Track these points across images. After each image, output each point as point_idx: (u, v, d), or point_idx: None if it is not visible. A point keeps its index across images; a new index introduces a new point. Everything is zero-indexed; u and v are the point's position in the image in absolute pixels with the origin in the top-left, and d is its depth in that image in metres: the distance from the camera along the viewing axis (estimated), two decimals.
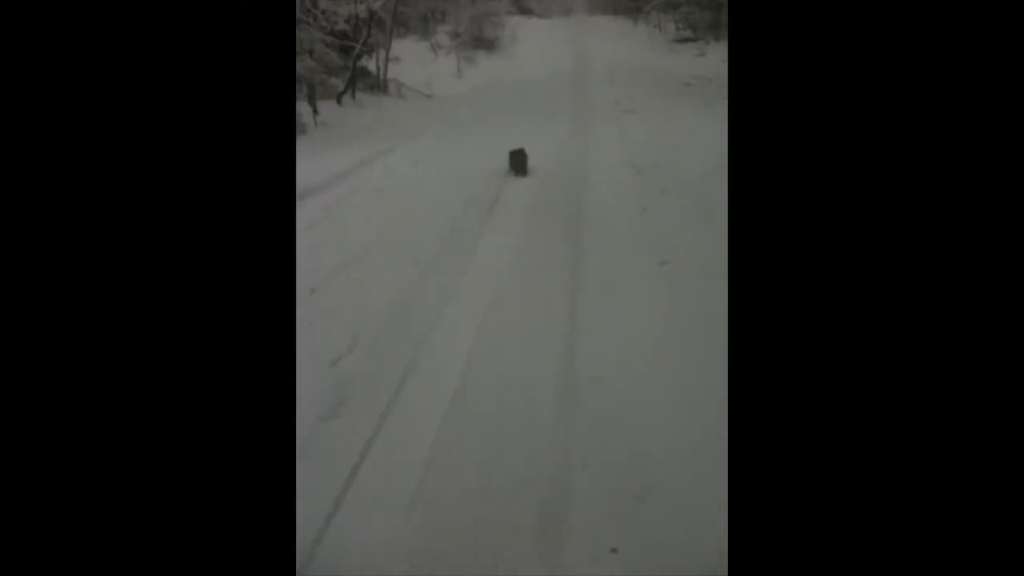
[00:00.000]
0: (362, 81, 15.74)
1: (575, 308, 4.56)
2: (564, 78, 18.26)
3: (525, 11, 36.34)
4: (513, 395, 3.53)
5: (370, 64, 16.73)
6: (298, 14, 12.24)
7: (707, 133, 9.88)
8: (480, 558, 2.48)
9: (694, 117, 11.91)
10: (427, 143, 11.16)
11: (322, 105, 12.89)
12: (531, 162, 8.46)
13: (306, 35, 12.48)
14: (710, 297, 4.08)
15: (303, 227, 6.12)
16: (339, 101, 14.10)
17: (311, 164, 8.32)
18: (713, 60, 19.70)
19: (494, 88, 17.67)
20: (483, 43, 22.74)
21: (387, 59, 16.82)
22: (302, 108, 11.84)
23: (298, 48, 12.01)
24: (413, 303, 4.77)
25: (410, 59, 19.81)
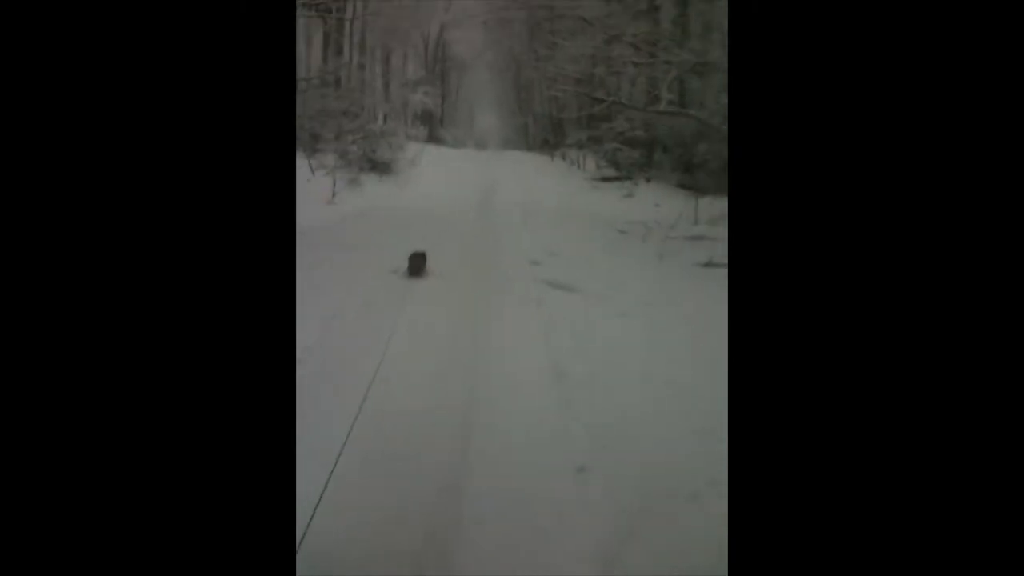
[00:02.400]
0: None
1: None
2: (465, 216, 14.01)
3: (436, 139, 33.13)
4: None
5: None
6: None
7: (671, 320, 5.74)
8: None
9: (644, 287, 7.66)
10: None
11: None
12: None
13: None
14: None
15: None
16: None
17: None
18: (644, 202, 16.01)
19: (371, 217, 13.15)
20: (376, 166, 18.41)
21: None
22: None
23: None
24: None
25: None
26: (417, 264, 7.43)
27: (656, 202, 15.91)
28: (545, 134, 30.35)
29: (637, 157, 19.10)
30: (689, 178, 17.91)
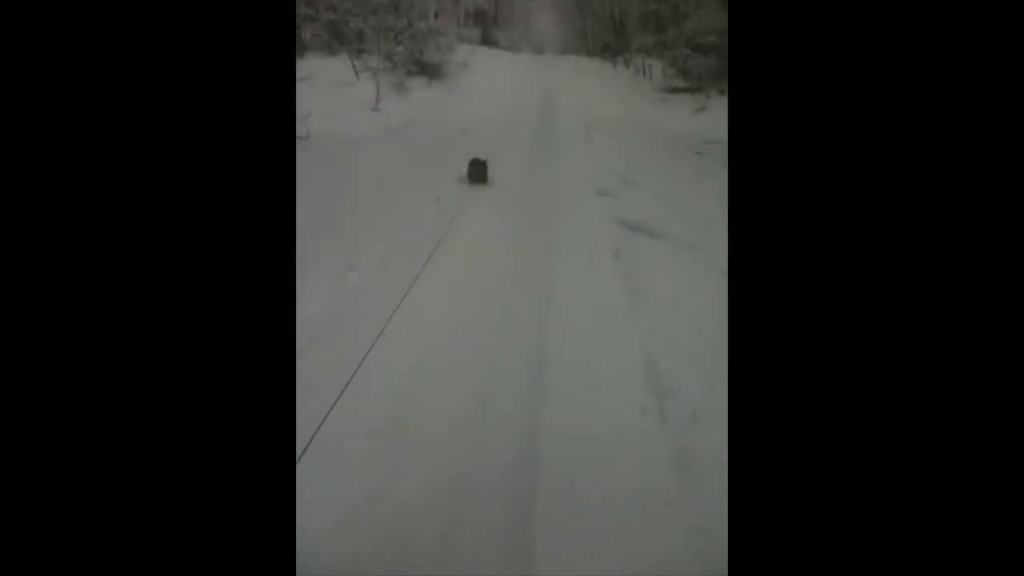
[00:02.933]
0: None
1: None
2: (524, 131, 12.54)
3: (489, 41, 30.93)
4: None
5: None
6: None
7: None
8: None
9: None
10: None
11: None
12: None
13: None
14: None
15: None
16: None
17: None
18: (720, 118, 14.23)
19: (418, 128, 11.79)
20: (424, 68, 16.81)
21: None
22: None
23: None
24: None
25: (325, 80, 13.83)
26: (479, 171, 7.38)
27: None
28: (607, 37, 27.90)
29: (711, 65, 17.01)
30: None
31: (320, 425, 2.76)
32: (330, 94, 13.04)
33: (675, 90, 18.44)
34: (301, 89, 10.72)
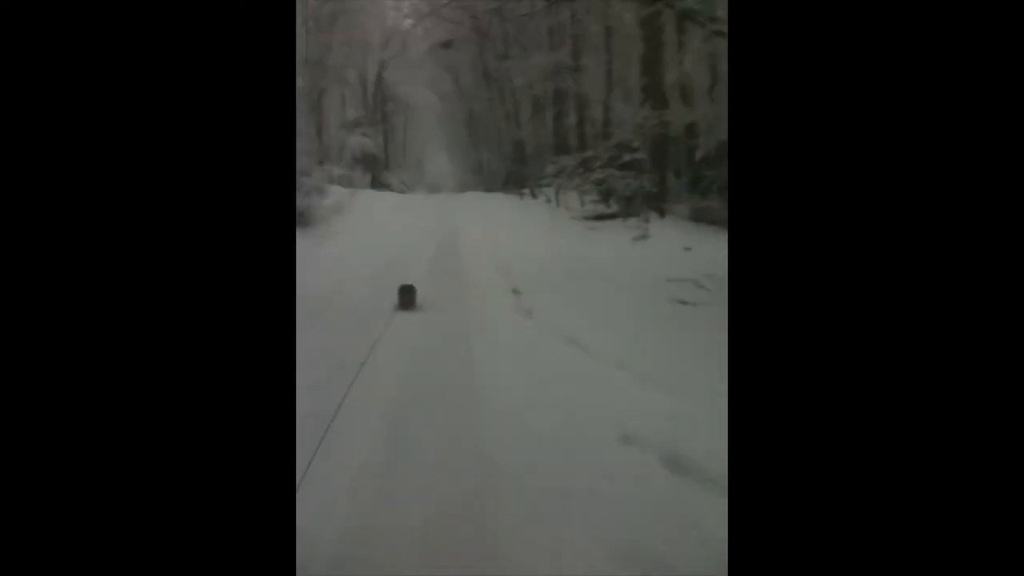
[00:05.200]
0: None
1: None
2: (426, 282, 8.07)
3: (381, 185, 27.24)
4: None
5: None
6: None
7: None
8: None
9: None
10: None
11: None
12: None
13: None
14: None
15: None
16: None
17: None
18: (669, 246, 10.43)
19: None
20: None
21: None
22: None
23: None
24: None
25: None
26: (407, 297, 6.96)
27: (685, 245, 10.25)
28: (508, 168, 24.64)
29: (643, 184, 13.38)
30: (707, 205, 12.43)
31: None
32: None
33: (600, 217, 14.70)
34: None
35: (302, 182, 12.48)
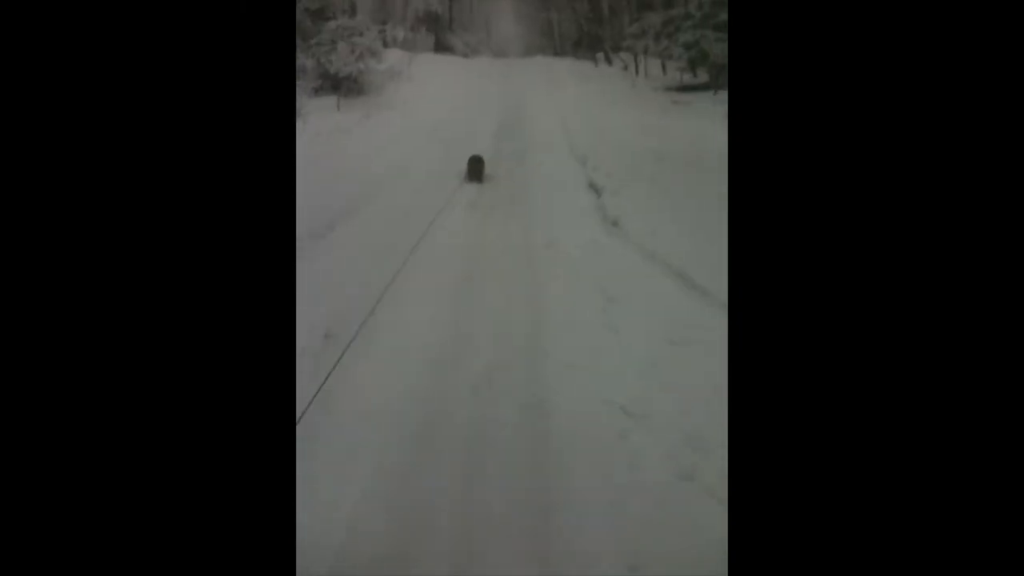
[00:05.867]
0: None
1: None
2: (476, 191, 7.00)
3: (444, 48, 25.12)
4: None
5: None
6: None
7: None
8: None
9: None
10: None
11: None
12: None
13: None
14: None
15: None
16: None
17: None
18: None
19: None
20: (337, 84, 10.91)
21: None
22: None
23: None
24: None
25: None
26: (476, 168, 6.89)
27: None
28: (582, 28, 22.09)
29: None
30: None
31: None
32: None
33: (685, 88, 12.72)
34: None
35: (353, 44, 10.96)
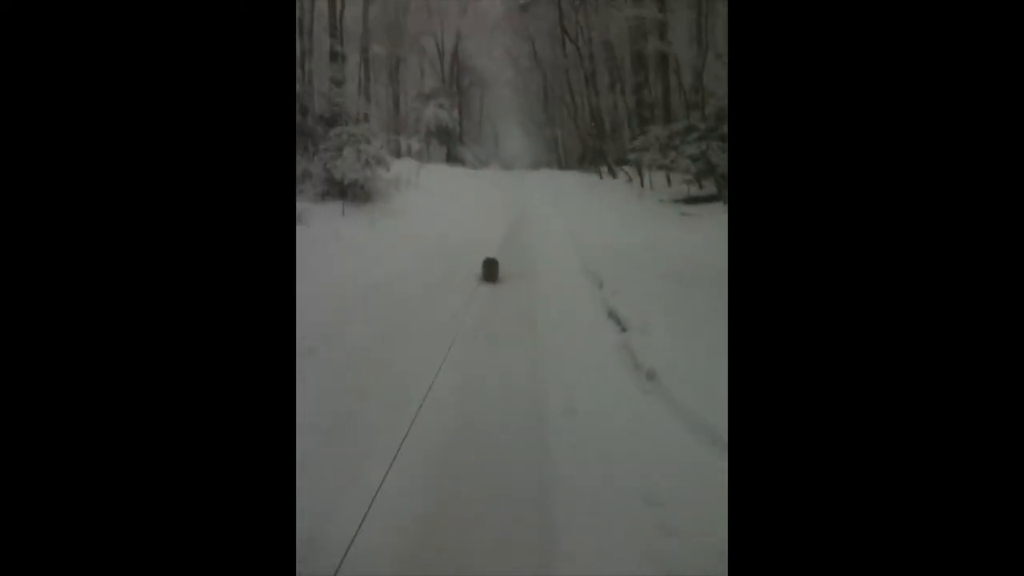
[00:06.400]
0: None
1: None
2: (486, 296, 6.60)
3: (455, 159, 25.64)
4: None
5: None
6: None
7: None
8: None
9: None
10: None
11: None
12: None
13: None
14: None
15: None
16: None
17: None
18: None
19: None
20: (343, 190, 10.73)
21: None
22: None
23: None
24: None
25: None
26: (491, 270, 6.89)
27: None
28: (585, 144, 22.50)
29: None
30: None
31: None
32: None
33: (692, 200, 12.56)
34: None
35: (361, 150, 10.89)
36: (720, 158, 11.22)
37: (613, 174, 18.23)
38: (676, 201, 12.66)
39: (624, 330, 5.07)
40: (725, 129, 11.12)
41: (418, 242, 8.87)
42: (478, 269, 7.08)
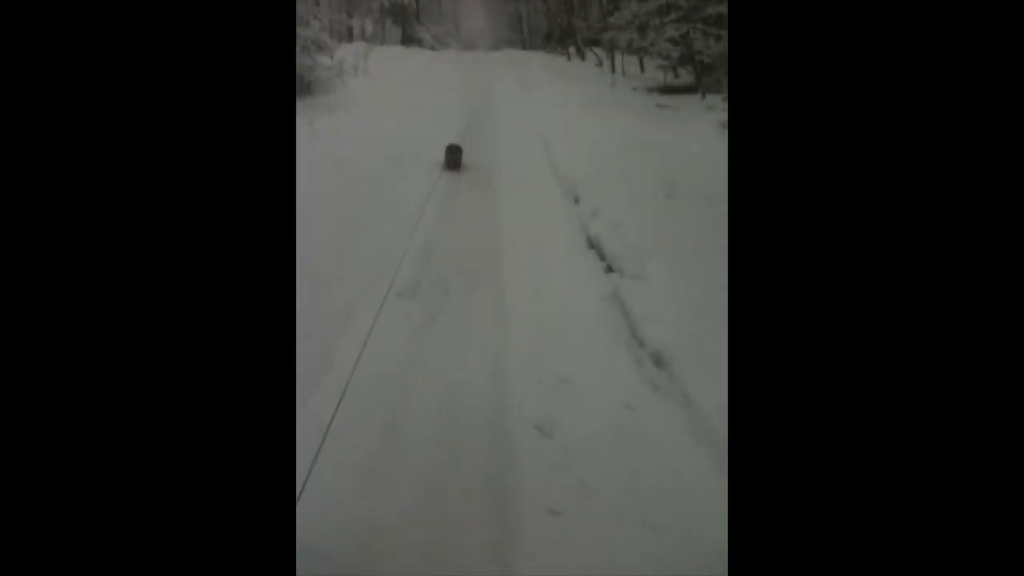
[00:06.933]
0: None
1: None
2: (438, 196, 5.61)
3: (412, 39, 23.43)
4: None
5: None
6: None
7: None
8: None
9: None
10: None
11: None
12: None
13: None
14: None
15: None
16: None
17: None
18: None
19: None
20: None
21: None
22: None
23: None
24: None
25: None
26: (454, 157, 6.47)
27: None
28: (552, 20, 20.54)
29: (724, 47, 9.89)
30: None
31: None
32: None
33: (668, 89, 11.31)
34: None
35: (299, 34, 9.30)
36: (702, 43, 9.92)
37: (582, 56, 16.64)
38: (651, 90, 11.40)
39: (612, 271, 3.97)
40: (709, 10, 9.75)
41: (362, 143, 7.67)
42: (429, 173, 6.07)
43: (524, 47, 23.51)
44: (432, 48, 23.09)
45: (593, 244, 4.45)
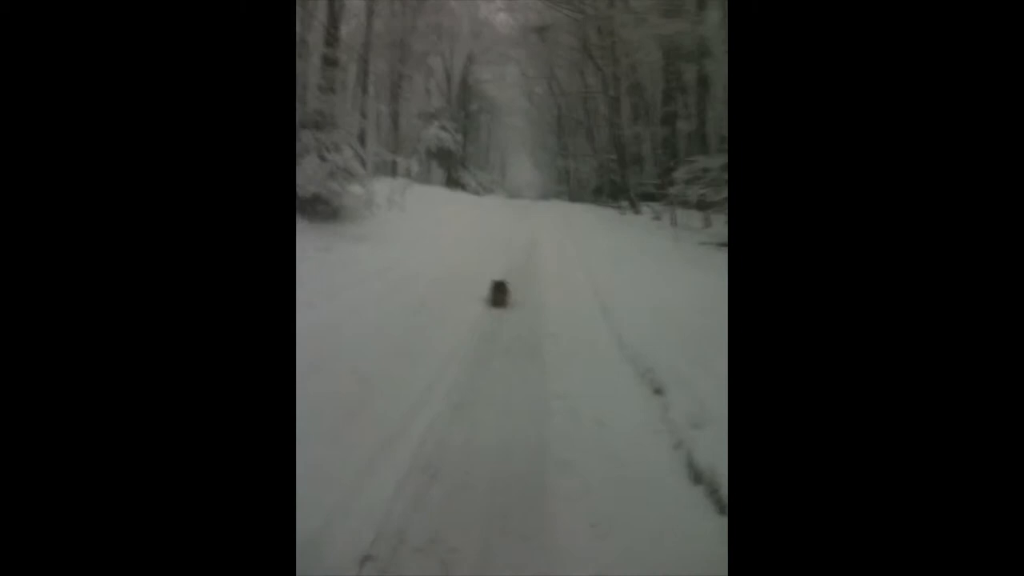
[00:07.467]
0: None
1: None
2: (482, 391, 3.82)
3: (456, 183, 23.05)
4: None
5: None
6: None
7: None
8: None
9: None
10: None
11: None
12: None
13: None
14: None
15: None
16: None
17: None
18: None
19: None
20: (303, 206, 7.92)
21: None
22: None
23: None
24: None
25: None
26: (499, 295, 5.92)
27: None
28: (603, 175, 19.87)
29: None
30: None
31: None
32: None
33: None
34: None
35: (328, 161, 8.14)
36: None
37: (636, 209, 15.53)
38: (720, 245, 9.89)
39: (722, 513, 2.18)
40: None
41: (378, 278, 6.08)
42: (455, 333, 4.42)
43: (571, 199, 22.90)
44: (476, 194, 22.67)
45: (700, 476, 2.46)
